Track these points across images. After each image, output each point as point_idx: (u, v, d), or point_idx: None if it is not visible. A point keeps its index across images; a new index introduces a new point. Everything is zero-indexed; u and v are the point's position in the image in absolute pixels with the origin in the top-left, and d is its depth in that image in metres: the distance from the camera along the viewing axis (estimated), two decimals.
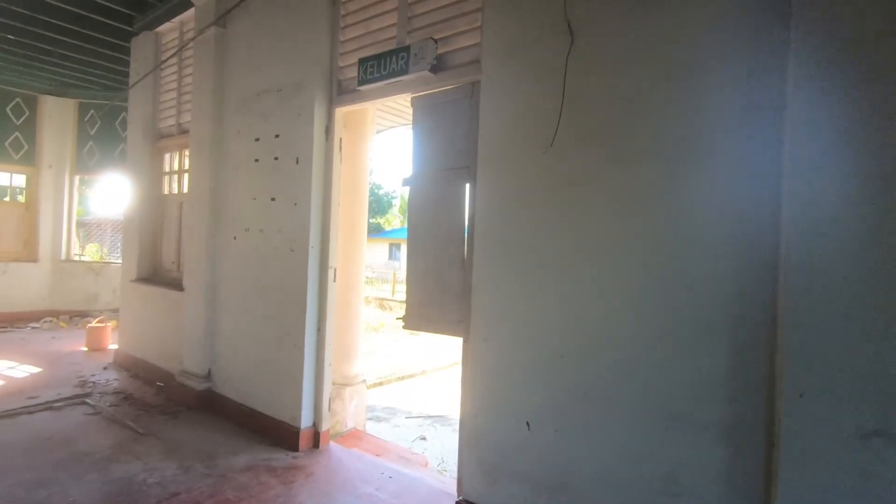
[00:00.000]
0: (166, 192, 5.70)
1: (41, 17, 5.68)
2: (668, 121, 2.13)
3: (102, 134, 9.00)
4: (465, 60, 3.02)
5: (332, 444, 3.86)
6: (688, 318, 2.05)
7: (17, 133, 8.40)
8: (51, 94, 8.63)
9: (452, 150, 3.08)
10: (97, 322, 6.68)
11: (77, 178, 9.08)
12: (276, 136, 4.01)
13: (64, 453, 3.44)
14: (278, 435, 3.80)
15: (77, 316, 8.50)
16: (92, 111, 8.94)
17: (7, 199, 8.49)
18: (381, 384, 8.27)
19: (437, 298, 3.09)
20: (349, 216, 5.05)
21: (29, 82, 8.33)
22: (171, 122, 5.53)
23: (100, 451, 3.51)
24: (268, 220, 4.05)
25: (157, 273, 5.70)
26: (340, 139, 3.85)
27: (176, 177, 5.61)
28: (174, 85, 5.50)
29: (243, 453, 3.59)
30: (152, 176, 5.72)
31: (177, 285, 5.03)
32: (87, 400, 4.49)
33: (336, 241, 3.84)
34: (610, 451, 2.23)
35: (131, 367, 5.59)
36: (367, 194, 5.38)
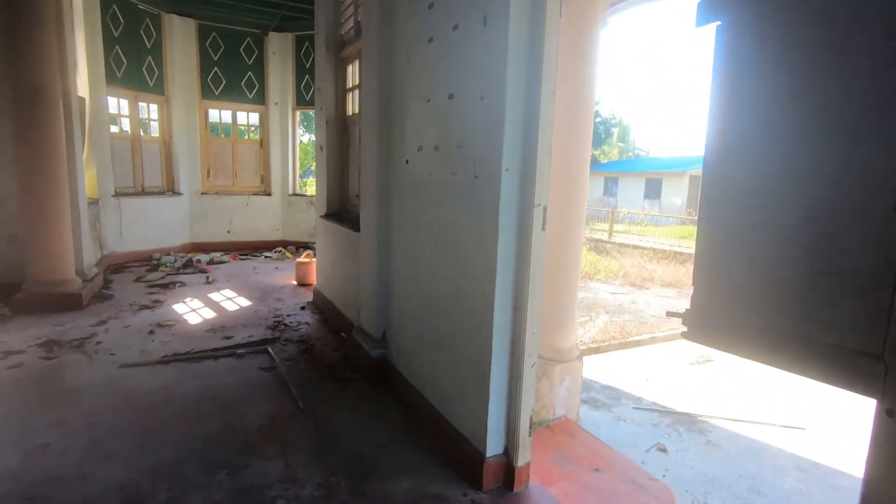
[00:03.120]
0: (349, 112, 4.84)
1: None
2: None
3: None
4: None
5: (532, 486, 2.46)
6: None
7: (249, 73, 8.87)
8: (274, 31, 8.80)
9: None
10: (304, 257, 6.62)
11: (298, 113, 9.36)
12: None
13: (215, 426, 2.86)
14: (456, 455, 2.57)
15: (302, 247, 8.99)
16: (307, 43, 8.89)
17: (246, 137, 9.22)
18: (597, 350, 6.60)
19: (791, 290, 1.24)
20: (566, 130, 3.34)
21: (256, 20, 8.57)
22: (351, 23, 4.52)
23: (250, 431, 2.83)
24: (444, 130, 2.64)
25: (344, 208, 5.03)
26: None
27: (357, 92, 4.67)
28: None
29: (406, 475, 2.47)
30: (336, 94, 4.91)
31: (356, 224, 4.18)
32: (270, 348, 4.06)
33: (548, 160, 2.21)
34: None
35: (324, 309, 5.18)
36: (593, 98, 3.56)
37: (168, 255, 7.89)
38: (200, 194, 8.68)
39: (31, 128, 4.63)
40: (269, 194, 9.21)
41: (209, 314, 5.03)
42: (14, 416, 2.88)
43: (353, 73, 4.75)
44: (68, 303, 4.92)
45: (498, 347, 2.31)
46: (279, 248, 8.86)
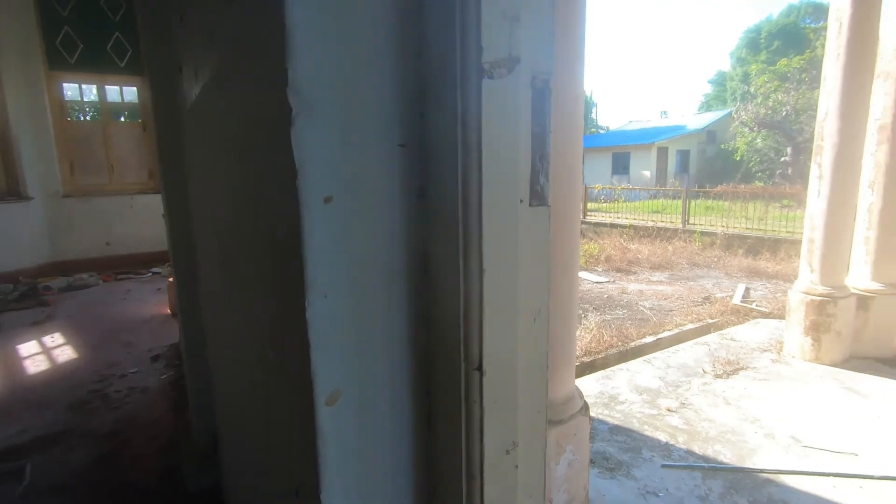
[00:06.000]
0: None
1: None
2: None
3: None
4: None
5: None
6: None
7: (116, 33, 6.72)
8: None
9: None
10: None
11: None
12: None
13: None
14: None
15: None
16: None
17: (123, 119, 7.12)
18: (592, 367, 4.89)
19: None
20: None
21: None
22: None
23: None
24: None
25: None
26: None
27: None
28: None
29: None
30: None
31: None
32: (29, 466, 2.20)
33: None
34: None
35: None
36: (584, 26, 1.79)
37: (17, 281, 5.80)
38: (62, 197, 6.55)
39: None
40: (161, 191, 7.16)
41: None
42: None
43: None
44: None
45: None
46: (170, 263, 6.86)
